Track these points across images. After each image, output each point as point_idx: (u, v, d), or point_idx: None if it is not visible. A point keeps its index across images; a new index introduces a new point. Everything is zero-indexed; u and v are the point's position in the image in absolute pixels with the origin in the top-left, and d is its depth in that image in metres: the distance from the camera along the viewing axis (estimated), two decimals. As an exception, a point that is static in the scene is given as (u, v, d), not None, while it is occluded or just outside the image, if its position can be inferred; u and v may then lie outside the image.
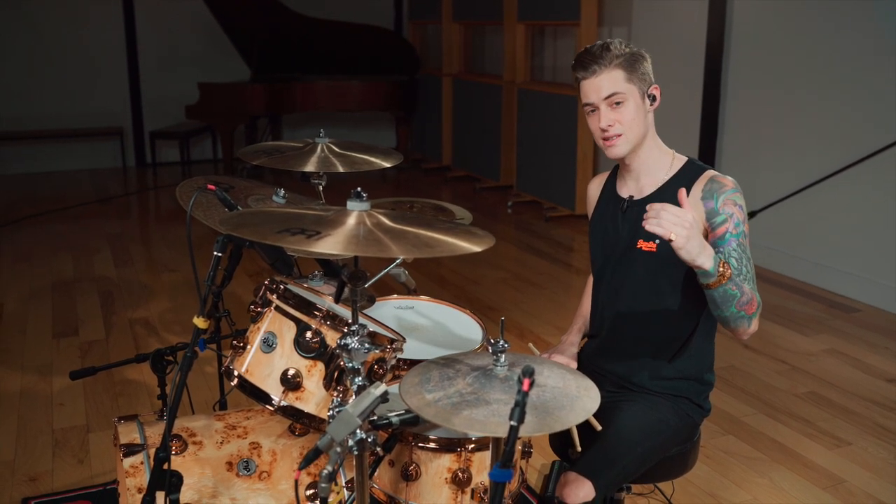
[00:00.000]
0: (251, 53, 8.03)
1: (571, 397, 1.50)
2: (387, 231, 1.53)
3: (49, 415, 3.35)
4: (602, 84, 1.89)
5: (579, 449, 1.96)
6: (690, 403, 2.04)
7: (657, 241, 1.96)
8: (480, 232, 1.65)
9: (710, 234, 1.90)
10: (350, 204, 1.60)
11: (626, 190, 2.06)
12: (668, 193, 1.97)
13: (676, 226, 1.67)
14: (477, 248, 1.54)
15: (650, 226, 1.68)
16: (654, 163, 2.00)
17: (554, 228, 6.39)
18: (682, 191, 1.75)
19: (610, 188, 2.12)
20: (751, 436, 3.22)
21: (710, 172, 1.96)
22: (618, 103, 1.90)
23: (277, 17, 7.84)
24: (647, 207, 1.71)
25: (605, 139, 1.93)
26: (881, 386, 3.65)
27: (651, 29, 6.03)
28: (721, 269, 1.73)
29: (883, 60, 4.45)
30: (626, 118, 1.91)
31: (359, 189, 1.61)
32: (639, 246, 1.99)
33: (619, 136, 1.92)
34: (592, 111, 1.94)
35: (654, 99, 1.95)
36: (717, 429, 3.26)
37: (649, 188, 2.01)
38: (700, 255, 1.70)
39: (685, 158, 2.02)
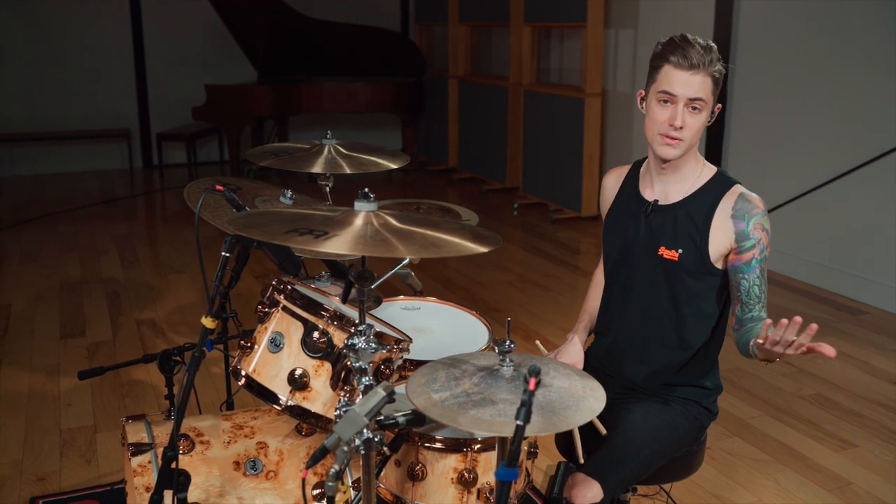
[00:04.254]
0: (257, 55, 8.05)
1: (577, 397, 1.50)
2: (394, 231, 1.54)
3: (57, 415, 3.36)
4: (695, 84, 1.85)
5: (582, 460, 1.95)
6: (699, 406, 2.04)
7: (679, 251, 1.95)
8: (487, 232, 1.65)
9: (735, 257, 1.92)
10: (357, 204, 1.61)
11: (649, 192, 2.04)
12: (693, 204, 1.96)
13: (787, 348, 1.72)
14: (483, 249, 1.54)
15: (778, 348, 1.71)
16: (689, 171, 1.98)
17: (560, 230, 6.39)
18: (813, 327, 1.69)
19: (631, 186, 2.10)
20: (757, 438, 3.21)
21: (739, 188, 1.95)
22: (695, 108, 1.88)
23: (283, 18, 7.86)
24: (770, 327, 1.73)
25: (667, 136, 1.90)
26: (888, 388, 3.64)
27: (657, 31, 6.03)
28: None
29: (889, 64, 4.45)
30: (695, 126, 1.89)
31: (366, 190, 1.62)
32: (660, 252, 1.97)
33: (682, 140, 1.90)
34: (666, 101, 1.89)
35: (713, 116, 1.94)
36: (723, 430, 3.25)
37: (676, 195, 1.99)
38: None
39: (714, 169, 2.00)
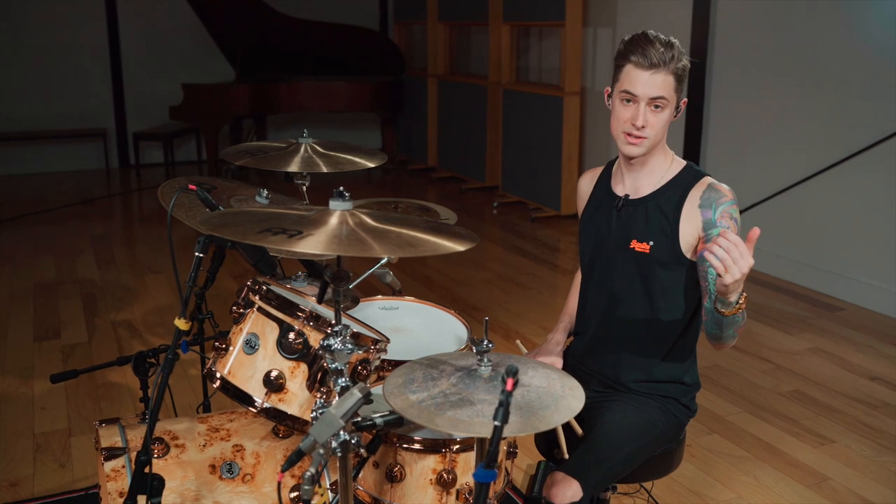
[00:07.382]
0: (235, 54, 8.00)
1: (556, 397, 1.49)
2: (369, 230, 1.52)
3: (30, 419, 3.31)
4: (656, 83, 1.86)
5: (566, 455, 1.95)
6: (677, 404, 2.04)
7: (651, 243, 1.95)
8: (463, 231, 1.64)
9: (703, 246, 1.89)
10: (332, 203, 1.59)
11: (621, 188, 2.05)
12: (663, 196, 1.96)
13: (735, 267, 1.60)
14: (460, 248, 1.53)
15: (711, 257, 1.61)
16: (657, 165, 2.00)
17: (539, 229, 6.40)
18: (756, 231, 1.65)
19: (604, 184, 2.11)
20: (735, 434, 3.23)
21: (708, 179, 1.95)
22: (658, 107, 1.88)
23: (262, 17, 7.81)
24: (722, 234, 1.62)
25: (630, 135, 1.91)
26: (864, 384, 3.67)
27: (636, 29, 6.00)
28: (741, 300, 1.72)
29: (865, 61, 4.48)
30: (658, 124, 1.89)
31: (341, 188, 1.60)
32: (632, 246, 1.98)
33: (645, 138, 1.90)
34: (629, 101, 1.90)
35: (678, 110, 1.95)
36: (702, 428, 3.26)
37: (646, 189, 2.00)
38: (734, 293, 1.69)
39: (683, 163, 2.01)
